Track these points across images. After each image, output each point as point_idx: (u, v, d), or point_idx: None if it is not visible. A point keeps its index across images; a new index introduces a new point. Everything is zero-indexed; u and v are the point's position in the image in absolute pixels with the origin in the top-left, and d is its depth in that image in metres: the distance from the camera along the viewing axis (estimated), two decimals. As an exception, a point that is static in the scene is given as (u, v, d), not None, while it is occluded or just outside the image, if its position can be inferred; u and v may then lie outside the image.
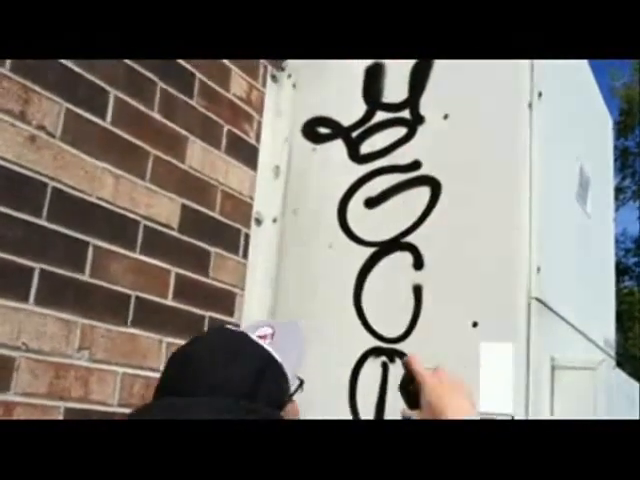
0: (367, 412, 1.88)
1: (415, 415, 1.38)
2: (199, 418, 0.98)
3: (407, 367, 1.40)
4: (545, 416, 1.78)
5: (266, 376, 1.12)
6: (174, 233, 1.93)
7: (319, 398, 1.95)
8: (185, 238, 1.96)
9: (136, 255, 1.81)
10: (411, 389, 1.36)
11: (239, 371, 1.10)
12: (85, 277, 1.66)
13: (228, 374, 1.09)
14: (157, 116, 1.89)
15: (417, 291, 1.90)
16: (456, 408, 1.25)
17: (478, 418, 1.33)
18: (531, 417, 1.69)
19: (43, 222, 1.57)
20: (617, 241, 13.46)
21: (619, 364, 2.14)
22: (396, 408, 1.81)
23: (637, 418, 2.22)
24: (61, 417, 1.57)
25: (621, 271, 13.54)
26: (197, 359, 1.15)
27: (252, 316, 2.12)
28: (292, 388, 1.22)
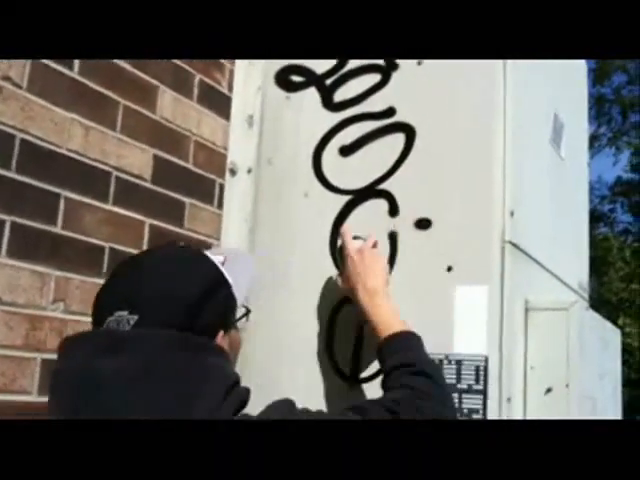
0: (344, 357, 1.90)
1: (339, 280, 1.47)
2: (136, 353, 0.97)
3: (341, 237, 1.65)
4: (519, 357, 1.82)
5: (216, 296, 1.13)
6: (147, 184, 1.91)
7: (297, 345, 1.97)
8: (158, 189, 1.94)
9: (109, 207, 1.79)
10: (342, 257, 1.58)
11: (189, 285, 1.10)
12: (57, 229, 1.65)
13: (178, 285, 1.09)
14: (127, 66, 1.86)
15: (392, 238, 1.91)
16: (368, 285, 1.49)
17: (385, 296, 1.51)
18: (505, 359, 1.72)
19: (12, 174, 1.55)
20: (592, 188, 13.52)
21: (594, 309, 2.18)
22: (372, 355, 1.84)
23: (610, 361, 2.26)
24: (38, 368, 1.57)
25: (596, 218, 13.65)
26: (148, 266, 1.14)
27: (233, 205, 2.15)
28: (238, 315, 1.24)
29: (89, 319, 1.67)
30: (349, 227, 1.64)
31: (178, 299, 1.07)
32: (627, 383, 6.79)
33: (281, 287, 2.04)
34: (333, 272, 1.95)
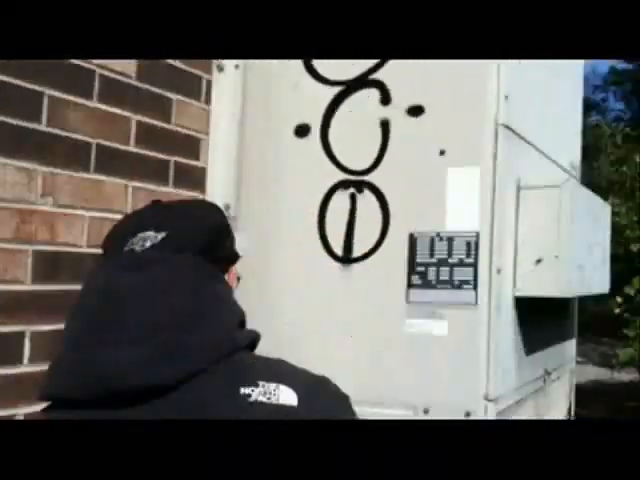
0: (337, 243, 1.91)
1: None
2: (160, 272, 1.00)
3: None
4: (510, 232, 1.83)
5: (230, 234, 1.19)
6: (132, 81, 1.86)
7: (288, 231, 1.98)
8: (144, 86, 1.90)
9: (94, 104, 1.75)
10: None
11: (215, 215, 1.19)
12: (43, 127, 1.62)
13: (205, 213, 1.17)
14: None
15: (384, 126, 1.89)
16: None
17: None
18: (496, 234, 1.74)
19: (-6, 74, 1.51)
20: (587, 79, 13.33)
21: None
22: (364, 235, 1.86)
23: (600, 233, 2.29)
24: (30, 259, 1.59)
25: (589, 107, 13.52)
26: (176, 206, 1.22)
27: (218, 160, 2.10)
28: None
29: (78, 212, 1.70)
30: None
31: (205, 223, 1.13)
32: (615, 258, 6.98)
33: (271, 178, 2.03)
34: (322, 158, 1.93)
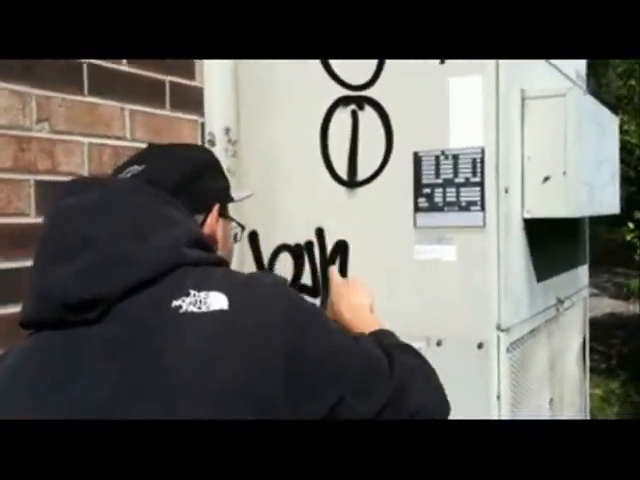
0: (341, 162, 1.88)
1: (327, 311, 1.47)
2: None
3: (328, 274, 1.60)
4: (516, 147, 1.80)
5: (213, 171, 1.24)
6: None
7: (290, 157, 1.95)
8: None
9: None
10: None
11: (196, 154, 1.26)
12: (31, 46, 1.57)
13: (186, 153, 1.24)
14: None
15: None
16: (352, 302, 1.41)
17: (369, 311, 1.41)
18: (502, 150, 1.70)
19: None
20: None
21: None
22: (368, 153, 1.83)
23: (608, 147, 2.25)
24: (32, 190, 1.57)
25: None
26: (165, 146, 1.29)
27: (214, 78, 2.05)
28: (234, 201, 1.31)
29: (76, 138, 1.67)
30: (334, 268, 1.64)
31: (183, 159, 1.18)
32: (626, 181, 6.79)
33: (269, 103, 1.99)
34: (322, 74, 1.89)
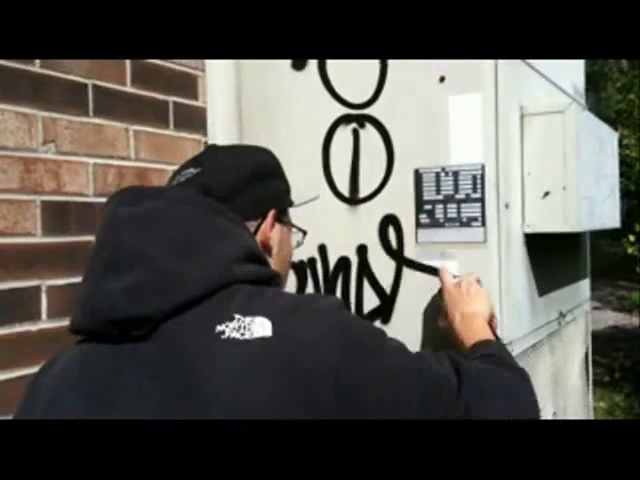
0: (342, 180, 1.90)
1: (441, 319, 1.44)
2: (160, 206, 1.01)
3: (440, 277, 1.55)
4: (516, 163, 1.81)
5: (272, 175, 1.21)
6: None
7: (294, 174, 1.96)
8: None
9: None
10: (440, 298, 1.49)
11: (255, 157, 1.22)
12: (37, 68, 1.59)
13: (244, 154, 1.21)
14: None
15: (383, 54, 1.85)
16: (466, 310, 1.36)
17: (484, 321, 1.36)
18: (502, 166, 1.72)
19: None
20: None
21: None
22: (369, 173, 1.85)
23: (607, 162, 2.26)
24: (39, 210, 1.58)
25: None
26: (224, 147, 1.25)
27: (217, 98, 2.07)
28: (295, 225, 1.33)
29: (81, 159, 1.69)
30: (445, 269, 1.57)
31: (241, 162, 1.15)
32: (626, 194, 6.79)
33: (272, 117, 2.01)
34: (323, 91, 1.91)
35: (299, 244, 1.34)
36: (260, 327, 0.90)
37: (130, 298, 0.91)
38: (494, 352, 1.20)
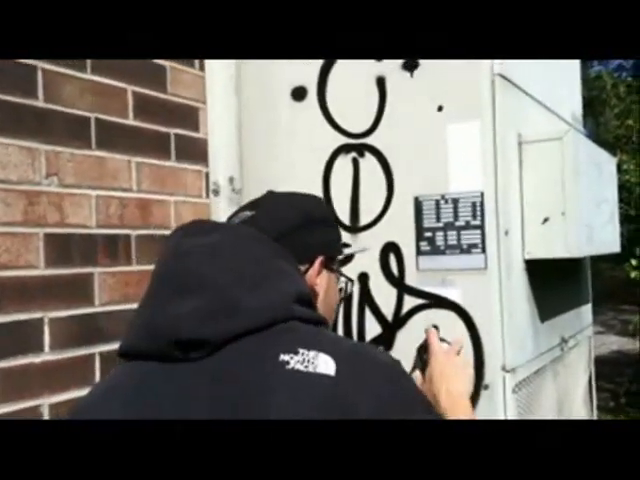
0: (343, 208, 1.92)
1: (419, 378, 1.45)
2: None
3: (426, 337, 1.52)
4: (515, 190, 1.83)
5: (324, 226, 1.24)
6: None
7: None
8: (137, 57, 1.89)
9: (88, 76, 1.75)
10: (424, 357, 1.49)
11: (307, 205, 1.23)
12: (40, 102, 1.62)
13: (299, 201, 1.23)
14: None
15: (380, 83, 1.87)
16: (451, 388, 1.36)
17: (467, 401, 1.36)
18: (500, 193, 1.73)
19: (-16, 50, 1.50)
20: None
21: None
22: (369, 201, 1.86)
23: (606, 188, 2.28)
24: (41, 243, 1.59)
25: (590, 58, 13.29)
26: (281, 193, 1.28)
27: (218, 130, 2.10)
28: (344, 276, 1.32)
29: (84, 191, 1.71)
30: (434, 330, 1.61)
31: (294, 209, 1.18)
32: (626, 219, 6.79)
33: (273, 147, 2.03)
34: (323, 122, 1.93)
35: (346, 292, 1.34)
36: (324, 364, 0.92)
37: (194, 321, 0.94)
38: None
